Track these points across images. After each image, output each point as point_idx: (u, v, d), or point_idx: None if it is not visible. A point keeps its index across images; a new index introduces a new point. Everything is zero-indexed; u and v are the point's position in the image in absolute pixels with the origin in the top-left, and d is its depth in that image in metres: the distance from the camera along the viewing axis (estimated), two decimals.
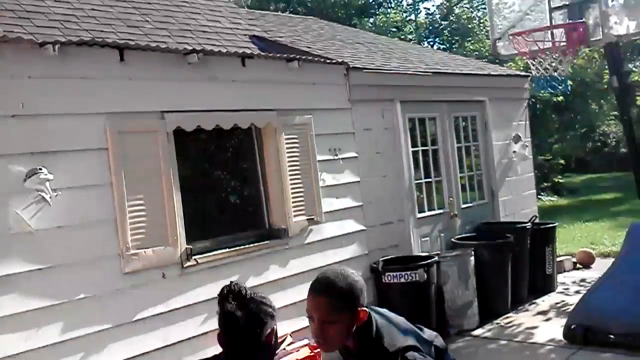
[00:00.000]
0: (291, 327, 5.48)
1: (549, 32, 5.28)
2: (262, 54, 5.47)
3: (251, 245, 5.29)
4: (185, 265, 4.78)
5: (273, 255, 5.45)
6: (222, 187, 5.53)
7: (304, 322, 5.57)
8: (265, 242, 5.41)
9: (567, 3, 5.51)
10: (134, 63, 4.61)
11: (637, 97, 10.07)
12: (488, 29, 6.30)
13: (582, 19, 5.32)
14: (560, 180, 21.26)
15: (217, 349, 4.98)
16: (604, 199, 18.64)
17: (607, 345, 5.68)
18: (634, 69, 10.53)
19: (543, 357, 5.73)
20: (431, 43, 20.21)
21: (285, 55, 5.54)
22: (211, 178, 5.48)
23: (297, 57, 5.57)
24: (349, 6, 20.03)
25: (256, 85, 5.41)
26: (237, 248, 5.18)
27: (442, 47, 19.11)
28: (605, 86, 9.52)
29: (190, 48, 4.91)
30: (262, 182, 5.56)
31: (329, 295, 2.22)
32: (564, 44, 5.16)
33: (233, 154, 5.65)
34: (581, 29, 5.19)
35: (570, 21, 5.33)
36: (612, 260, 6.64)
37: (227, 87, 5.18)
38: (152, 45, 4.67)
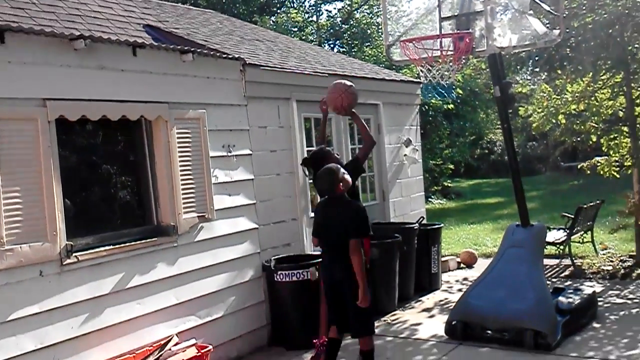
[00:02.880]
0: (178, 327, 5.38)
1: (438, 40, 5.50)
2: (155, 44, 5.30)
3: (137, 242, 5.12)
4: (64, 263, 4.55)
5: (161, 253, 5.31)
6: (108, 181, 5.30)
7: (191, 322, 5.51)
8: (153, 239, 5.25)
9: (456, 14, 5.76)
10: (16, 46, 4.33)
11: (520, 108, 10.73)
12: None
13: (469, 29, 5.58)
14: (449, 185, 22.23)
15: (100, 351, 4.76)
16: (488, 203, 19.69)
17: (484, 341, 5.98)
18: (519, 80, 11.25)
19: (425, 352, 5.93)
20: (332, 45, 20.51)
21: (179, 47, 5.40)
22: (96, 171, 5.24)
23: (192, 49, 5.45)
24: (251, 3, 19.89)
25: (147, 76, 5.25)
26: (122, 245, 5.00)
27: (342, 50, 19.43)
28: (494, 101, 10.07)
29: (77, 34, 4.68)
30: (151, 177, 5.40)
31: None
32: (452, 52, 5.38)
33: (121, 147, 5.43)
34: (467, 40, 5.44)
35: (458, 31, 5.57)
36: None
37: (116, 77, 4.98)
38: (35, 29, 4.40)
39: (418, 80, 9.06)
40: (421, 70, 5.61)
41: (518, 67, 8.87)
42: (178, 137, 5.44)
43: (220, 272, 5.87)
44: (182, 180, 5.48)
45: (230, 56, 5.99)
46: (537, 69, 8.97)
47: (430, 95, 6.09)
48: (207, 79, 5.81)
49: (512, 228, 6.64)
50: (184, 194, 5.48)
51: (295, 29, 19.29)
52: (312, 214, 7.18)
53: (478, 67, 10.17)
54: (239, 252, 6.11)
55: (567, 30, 7.66)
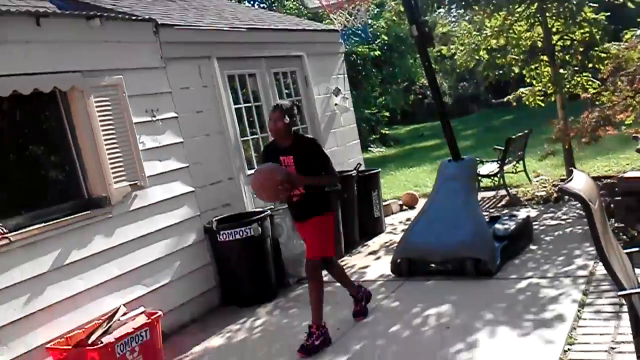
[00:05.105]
0: (125, 297, 5.33)
1: None
2: (58, 11, 5.08)
3: (70, 217, 5.00)
4: None
5: (96, 226, 5.21)
6: (31, 158, 5.13)
7: (138, 291, 5.46)
8: (86, 212, 5.14)
9: None
10: None
11: (442, 47, 10.87)
12: None
13: None
14: (387, 132, 22.47)
15: (48, 330, 4.66)
16: (426, 146, 20.04)
17: (429, 274, 6.15)
18: (438, 18, 11.38)
19: (374, 292, 6.01)
20: (252, 2, 20.15)
21: (84, 13, 5.18)
22: (17, 148, 5.05)
23: (98, 14, 5.24)
24: None
25: (55, 45, 5.04)
26: (55, 221, 4.87)
27: (262, 5, 19.11)
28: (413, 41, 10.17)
29: None
30: (75, 149, 5.24)
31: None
32: None
33: (40, 121, 5.24)
34: None
35: None
36: None
37: (21, 49, 4.76)
38: None
39: (337, 28, 9.02)
40: (333, 18, 5.59)
41: (435, 6, 8.92)
42: (97, 106, 5.27)
43: (161, 239, 5.80)
44: (108, 149, 5.34)
45: (140, 17, 5.79)
46: (454, 6, 9.05)
47: (347, 40, 6.09)
48: (118, 43, 5.61)
49: (445, 164, 6.79)
50: (112, 163, 5.35)
51: None
52: (250, 172, 7.18)
53: (397, 10, 10.18)
54: (178, 217, 6.04)
55: None
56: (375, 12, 16.33)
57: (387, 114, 19.76)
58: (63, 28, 5.11)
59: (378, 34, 16.44)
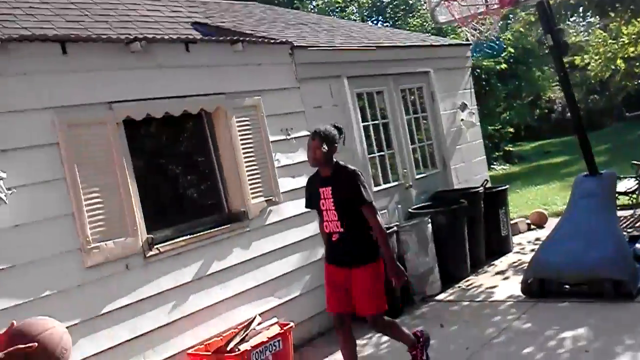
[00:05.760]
0: (259, 307, 5.56)
1: None
2: (205, 38, 5.48)
3: (212, 230, 5.31)
4: (147, 255, 4.79)
5: (235, 239, 5.49)
6: (178, 175, 5.54)
7: (271, 302, 5.68)
8: (226, 226, 5.44)
9: None
10: (77, 55, 4.57)
11: (576, 58, 10.43)
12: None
13: None
14: (511, 149, 21.71)
15: (189, 336, 4.99)
16: (554, 163, 19.17)
17: (563, 295, 5.92)
18: (568, 27, 10.96)
19: (503, 313, 5.91)
20: (375, 22, 20.39)
21: (228, 38, 5.55)
22: (166, 166, 5.48)
23: (241, 39, 5.59)
24: None
25: (202, 70, 5.41)
26: (198, 234, 5.20)
27: (386, 25, 19.31)
28: (547, 51, 9.82)
29: (132, 37, 4.89)
30: (218, 167, 5.58)
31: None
32: (497, 6, 5.33)
33: (186, 141, 5.65)
34: None
35: None
36: None
37: (173, 74, 5.18)
38: (93, 37, 4.64)
39: (467, 42, 8.92)
40: (467, 31, 5.58)
41: (568, 14, 8.59)
42: (238, 126, 5.60)
43: (293, 253, 6.01)
44: (247, 166, 5.64)
45: (278, 41, 6.09)
46: (589, 14, 8.68)
47: (480, 53, 6.00)
48: (258, 65, 5.92)
49: (581, 179, 6.52)
50: (250, 180, 5.64)
51: (337, 10, 19.26)
52: (375, 189, 7.26)
53: (527, 21, 9.85)
54: (309, 231, 6.20)
55: None
56: (500, 24, 15.93)
57: (511, 130, 19.10)
58: (209, 53, 5.49)
59: (505, 46, 16.06)
